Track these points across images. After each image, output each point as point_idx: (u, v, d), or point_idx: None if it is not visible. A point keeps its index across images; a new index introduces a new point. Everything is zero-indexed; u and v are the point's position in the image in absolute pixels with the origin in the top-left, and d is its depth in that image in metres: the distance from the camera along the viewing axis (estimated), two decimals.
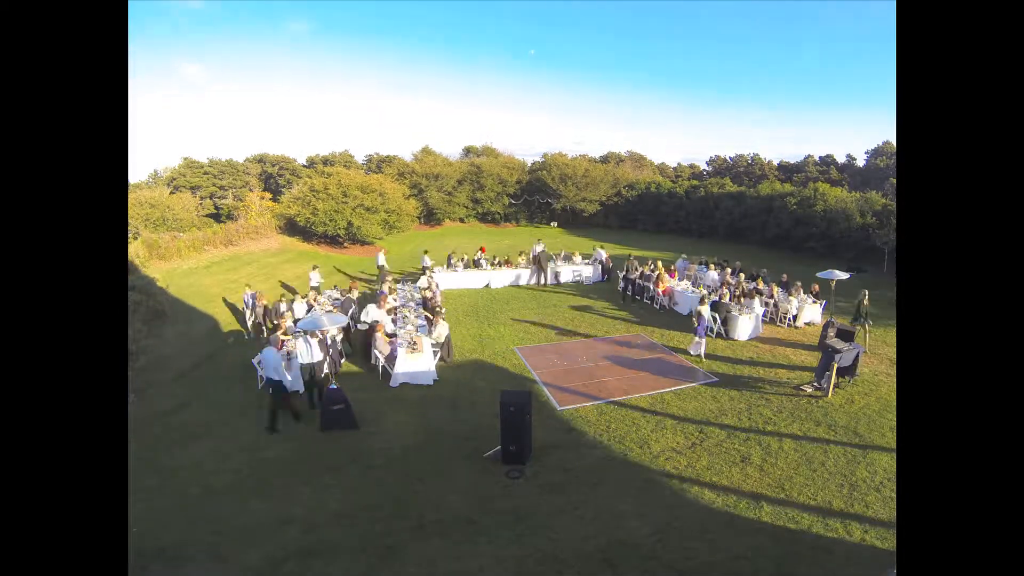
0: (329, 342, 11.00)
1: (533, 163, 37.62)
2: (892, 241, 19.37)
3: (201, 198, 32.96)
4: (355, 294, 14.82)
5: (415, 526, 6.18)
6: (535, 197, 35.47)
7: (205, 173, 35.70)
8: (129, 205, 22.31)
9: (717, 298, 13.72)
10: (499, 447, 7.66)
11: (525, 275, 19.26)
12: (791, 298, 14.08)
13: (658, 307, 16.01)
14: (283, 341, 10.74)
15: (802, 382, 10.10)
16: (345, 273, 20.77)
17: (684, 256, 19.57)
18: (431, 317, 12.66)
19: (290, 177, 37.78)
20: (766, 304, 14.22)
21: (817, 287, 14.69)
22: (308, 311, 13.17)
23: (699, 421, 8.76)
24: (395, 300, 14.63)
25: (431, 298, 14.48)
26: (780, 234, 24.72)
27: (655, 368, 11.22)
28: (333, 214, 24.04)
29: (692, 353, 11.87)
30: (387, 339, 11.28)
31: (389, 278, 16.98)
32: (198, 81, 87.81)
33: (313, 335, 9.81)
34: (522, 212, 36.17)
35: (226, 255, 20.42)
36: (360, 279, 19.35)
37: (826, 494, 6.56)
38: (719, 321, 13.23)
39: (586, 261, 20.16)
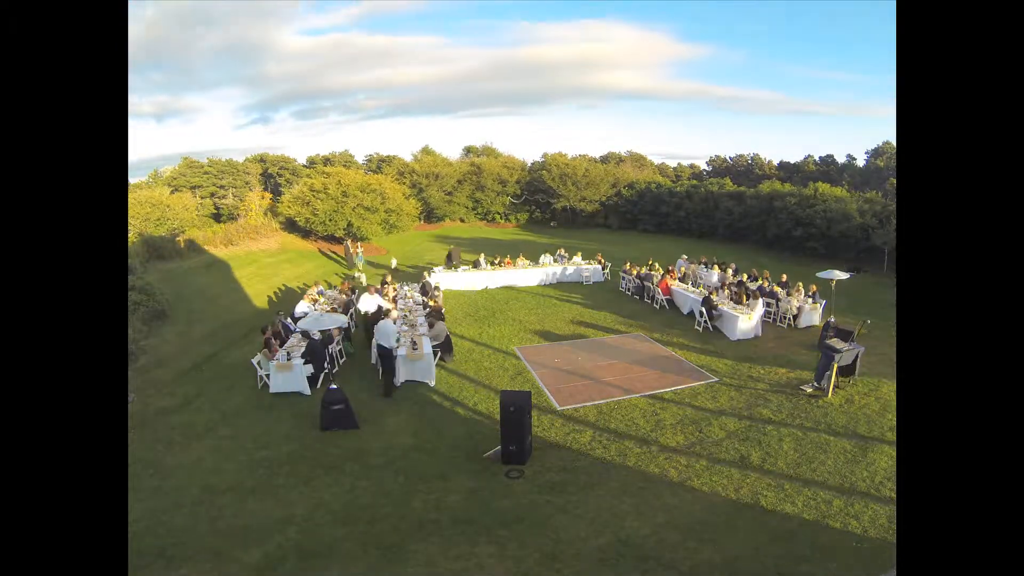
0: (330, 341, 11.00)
1: (533, 163, 37.67)
2: (892, 241, 19.36)
3: (201, 198, 32.92)
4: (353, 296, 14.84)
5: (415, 526, 6.18)
6: (535, 197, 35.51)
7: (205, 173, 35.64)
8: (129, 205, 22.29)
9: (708, 294, 14.21)
10: (499, 447, 7.66)
11: (531, 275, 19.44)
12: (791, 298, 14.08)
13: (658, 307, 16.02)
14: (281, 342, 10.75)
15: (802, 382, 10.10)
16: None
17: (684, 256, 19.58)
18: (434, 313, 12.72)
19: (290, 177, 37.74)
20: (768, 304, 14.22)
21: (815, 287, 14.67)
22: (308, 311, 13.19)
23: (699, 421, 8.76)
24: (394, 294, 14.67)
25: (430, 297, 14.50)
26: (780, 234, 24.72)
27: (655, 367, 11.22)
28: (333, 214, 24.04)
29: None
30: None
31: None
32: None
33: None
34: (522, 211, 36.20)
35: (226, 255, 20.42)
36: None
37: (826, 494, 6.56)
38: (706, 315, 13.55)
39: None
